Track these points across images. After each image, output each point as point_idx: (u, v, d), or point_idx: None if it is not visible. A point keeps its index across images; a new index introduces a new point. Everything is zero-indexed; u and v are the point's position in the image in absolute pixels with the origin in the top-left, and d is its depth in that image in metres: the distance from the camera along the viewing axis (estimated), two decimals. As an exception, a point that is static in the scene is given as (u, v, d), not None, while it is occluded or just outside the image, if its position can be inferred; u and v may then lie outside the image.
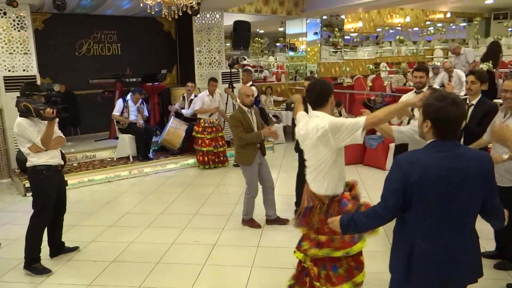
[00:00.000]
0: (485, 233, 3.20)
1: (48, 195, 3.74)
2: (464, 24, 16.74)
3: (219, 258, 4.00)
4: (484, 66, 6.86)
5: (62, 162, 3.93)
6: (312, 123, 2.63)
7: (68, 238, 4.32)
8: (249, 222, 4.72)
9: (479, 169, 1.90)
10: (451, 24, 16.26)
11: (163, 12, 5.90)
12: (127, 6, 8.11)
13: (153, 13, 5.99)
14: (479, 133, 3.51)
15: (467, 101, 3.97)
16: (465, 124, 3.89)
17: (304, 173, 2.84)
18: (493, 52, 8.52)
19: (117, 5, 8.04)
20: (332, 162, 2.60)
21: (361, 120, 2.45)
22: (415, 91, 4.37)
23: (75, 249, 4.16)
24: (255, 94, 6.67)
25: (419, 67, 4.49)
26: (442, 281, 1.97)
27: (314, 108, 2.71)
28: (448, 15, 16.53)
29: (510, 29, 13.69)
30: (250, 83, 7.06)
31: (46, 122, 3.57)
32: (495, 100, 6.24)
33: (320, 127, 2.53)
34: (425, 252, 1.94)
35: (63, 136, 3.91)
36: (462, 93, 7.90)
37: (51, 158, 3.73)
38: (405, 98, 4.28)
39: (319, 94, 2.67)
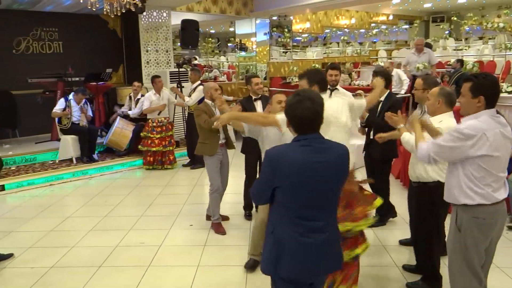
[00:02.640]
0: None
1: None
2: (406, 26, 17.58)
3: (165, 259, 3.95)
4: (420, 66, 7.24)
5: None
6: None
7: (3, 245, 4.12)
8: (215, 226, 4.52)
9: (338, 160, 2.02)
10: (394, 26, 17.02)
11: (105, 9, 5.75)
12: (68, 2, 7.81)
13: (94, 9, 5.82)
14: (387, 126, 3.72)
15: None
16: (368, 117, 4.21)
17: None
18: (429, 53, 9.00)
19: (57, 1, 7.72)
20: None
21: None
22: (329, 88, 4.45)
23: (9, 256, 3.94)
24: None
25: (332, 65, 4.64)
26: (310, 271, 2.04)
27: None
28: (391, 17, 17.29)
29: (446, 31, 14.52)
30: (198, 82, 7.00)
31: None
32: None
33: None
34: (286, 240, 2.01)
35: None
36: (402, 92, 8.30)
37: None
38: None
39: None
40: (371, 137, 4.19)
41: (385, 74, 4.24)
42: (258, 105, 4.67)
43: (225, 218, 4.76)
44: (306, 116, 1.97)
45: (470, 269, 2.42)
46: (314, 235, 1.99)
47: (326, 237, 2.02)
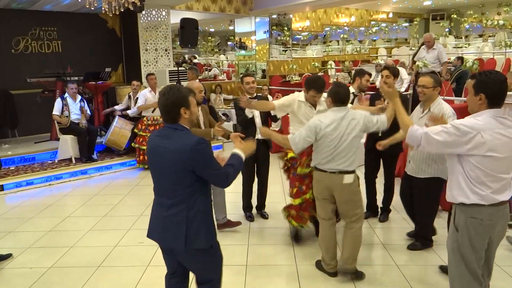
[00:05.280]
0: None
1: None
2: (406, 24, 17.54)
3: (164, 258, 3.94)
4: (420, 63, 7.21)
5: None
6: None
7: (2, 245, 4.11)
8: (221, 226, 4.40)
9: (180, 150, 2.21)
10: (394, 24, 16.98)
11: (103, 8, 5.73)
12: (67, 1, 7.79)
13: (92, 8, 5.80)
14: (395, 123, 3.71)
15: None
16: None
17: None
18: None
19: (56, 0, 7.70)
20: None
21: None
22: (353, 93, 4.52)
23: (8, 256, 3.92)
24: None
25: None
26: (153, 235, 2.43)
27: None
28: (391, 15, 17.25)
29: (446, 29, 14.49)
30: (197, 81, 6.97)
31: None
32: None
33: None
34: (152, 208, 2.48)
35: None
36: (402, 90, 8.27)
37: None
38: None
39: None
40: (379, 134, 4.14)
41: (394, 70, 4.27)
42: None
43: (236, 223, 4.53)
44: (161, 107, 2.30)
45: (468, 269, 2.40)
46: (160, 209, 2.36)
47: (168, 215, 2.30)
